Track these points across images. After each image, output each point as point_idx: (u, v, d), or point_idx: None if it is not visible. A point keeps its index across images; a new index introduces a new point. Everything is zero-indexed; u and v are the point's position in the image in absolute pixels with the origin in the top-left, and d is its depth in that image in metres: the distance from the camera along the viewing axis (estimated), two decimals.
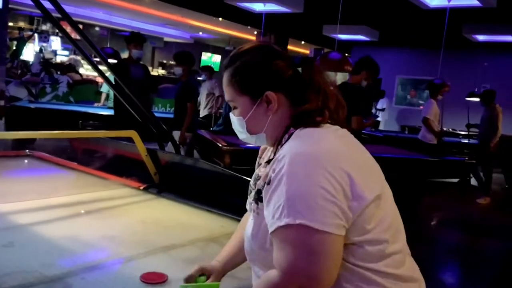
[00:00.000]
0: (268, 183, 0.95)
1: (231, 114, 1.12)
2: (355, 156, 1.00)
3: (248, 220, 1.13)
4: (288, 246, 0.90)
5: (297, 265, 0.89)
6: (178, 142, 4.60)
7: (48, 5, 2.21)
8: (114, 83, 2.99)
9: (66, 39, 13.28)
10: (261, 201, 1.00)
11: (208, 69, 8.74)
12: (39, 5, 2.19)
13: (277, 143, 1.05)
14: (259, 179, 1.05)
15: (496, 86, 9.03)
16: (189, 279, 1.15)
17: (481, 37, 9.36)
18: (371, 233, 0.94)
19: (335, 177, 0.90)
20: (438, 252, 4.51)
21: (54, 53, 12.21)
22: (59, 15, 2.27)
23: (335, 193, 0.89)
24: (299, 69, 1.07)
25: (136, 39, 4.94)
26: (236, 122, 1.11)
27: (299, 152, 0.94)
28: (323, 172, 0.90)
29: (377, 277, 0.94)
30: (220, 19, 11.49)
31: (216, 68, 16.64)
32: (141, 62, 5.25)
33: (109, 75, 3.64)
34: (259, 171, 1.11)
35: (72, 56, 11.49)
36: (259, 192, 1.02)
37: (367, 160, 1.03)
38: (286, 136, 1.02)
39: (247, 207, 1.19)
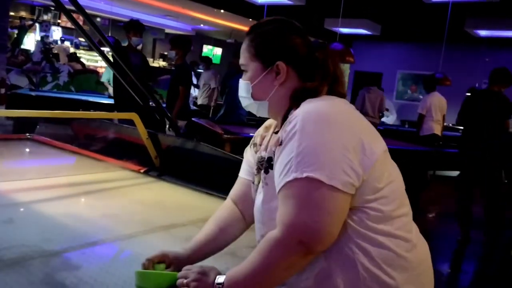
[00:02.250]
0: (280, 144, 0.96)
1: (240, 79, 1.15)
2: (361, 120, 1.01)
3: (255, 195, 1.12)
4: (292, 199, 0.89)
5: (299, 218, 0.87)
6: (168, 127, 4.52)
7: None
8: (113, 71, 2.99)
9: (67, 29, 13.30)
10: (272, 168, 1.00)
11: (206, 60, 8.72)
12: None
13: (283, 117, 1.06)
14: (262, 161, 1.06)
15: None
16: (147, 266, 1.05)
17: (483, 32, 9.34)
18: (381, 192, 0.94)
19: (346, 136, 0.92)
20: (439, 243, 4.52)
21: (55, 43, 12.19)
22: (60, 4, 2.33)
23: (345, 150, 0.90)
24: (315, 50, 1.10)
25: (135, 26, 4.89)
26: (243, 86, 1.14)
27: (311, 111, 0.96)
28: (334, 131, 0.92)
29: (388, 241, 0.93)
30: (222, 11, 11.45)
31: (216, 61, 16.66)
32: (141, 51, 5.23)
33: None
34: (261, 153, 1.12)
35: (60, 45, 11.46)
36: (270, 160, 1.02)
37: (369, 124, 1.04)
38: (294, 107, 1.03)
39: (231, 193, 1.25)
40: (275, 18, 1.14)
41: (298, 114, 0.95)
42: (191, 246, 1.13)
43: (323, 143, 0.90)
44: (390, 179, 0.97)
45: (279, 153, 0.95)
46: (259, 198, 1.08)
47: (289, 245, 0.87)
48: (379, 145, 0.98)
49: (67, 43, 12.17)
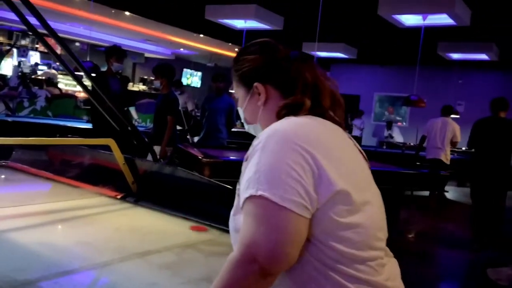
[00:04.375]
0: (247, 159, 0.98)
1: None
2: (335, 148, 0.99)
3: None
4: (249, 217, 0.90)
5: (254, 238, 0.87)
6: (158, 157, 4.61)
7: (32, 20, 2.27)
8: (90, 97, 2.99)
9: (44, 54, 13.21)
10: None
11: (177, 83, 8.77)
12: (24, 20, 2.23)
13: None
14: None
15: (470, 103, 9.29)
16: None
17: (455, 55, 9.64)
18: (343, 230, 0.92)
19: (305, 157, 0.91)
20: (414, 264, 4.55)
21: (33, 67, 12.09)
22: (38, 30, 2.34)
23: (302, 172, 0.90)
24: (291, 64, 1.11)
25: (117, 52, 4.93)
26: (239, 112, 1.20)
27: (276, 129, 0.97)
28: (294, 151, 0.91)
29: (348, 283, 0.91)
30: (201, 35, 11.58)
31: (195, 84, 16.71)
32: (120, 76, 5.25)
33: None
34: None
35: (47, 70, 11.40)
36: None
37: (352, 160, 1.02)
38: None
39: None
40: (253, 42, 1.18)
41: (265, 132, 0.97)
42: None
43: (280, 163, 0.90)
44: (359, 221, 0.94)
45: (244, 169, 0.97)
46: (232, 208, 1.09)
47: (244, 265, 0.86)
48: (345, 181, 0.93)
49: (53, 71, 12.03)
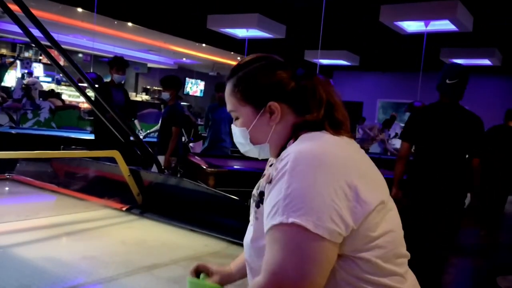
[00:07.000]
0: (270, 182, 0.92)
1: (233, 126, 1.10)
2: (360, 164, 0.96)
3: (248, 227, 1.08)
4: (277, 245, 0.85)
5: (283, 266, 0.83)
6: (162, 166, 4.60)
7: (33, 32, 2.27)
8: (93, 108, 2.99)
9: (48, 66, 13.29)
10: (263, 203, 0.96)
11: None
12: (27, 32, 2.23)
13: (281, 150, 1.01)
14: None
15: (473, 108, 9.24)
16: (192, 274, 1.16)
17: (457, 61, 9.62)
18: (375, 242, 0.90)
19: (338, 181, 0.87)
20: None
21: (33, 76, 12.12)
22: (41, 41, 2.34)
23: (335, 197, 0.85)
24: (302, 80, 1.05)
25: (118, 63, 4.95)
26: (238, 133, 1.08)
27: (304, 151, 0.90)
28: (326, 175, 0.87)
29: None
30: (204, 45, 11.62)
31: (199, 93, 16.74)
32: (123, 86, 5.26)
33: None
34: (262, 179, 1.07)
35: (30, 79, 11.40)
36: (261, 194, 0.98)
37: (372, 169, 0.99)
38: (291, 141, 1.00)
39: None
40: (254, 57, 1.08)
41: (291, 153, 0.91)
42: (236, 263, 1.19)
43: (312, 187, 0.85)
44: (388, 229, 0.93)
45: (269, 192, 0.91)
46: (249, 233, 1.04)
47: None
48: (377, 194, 0.92)
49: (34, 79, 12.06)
